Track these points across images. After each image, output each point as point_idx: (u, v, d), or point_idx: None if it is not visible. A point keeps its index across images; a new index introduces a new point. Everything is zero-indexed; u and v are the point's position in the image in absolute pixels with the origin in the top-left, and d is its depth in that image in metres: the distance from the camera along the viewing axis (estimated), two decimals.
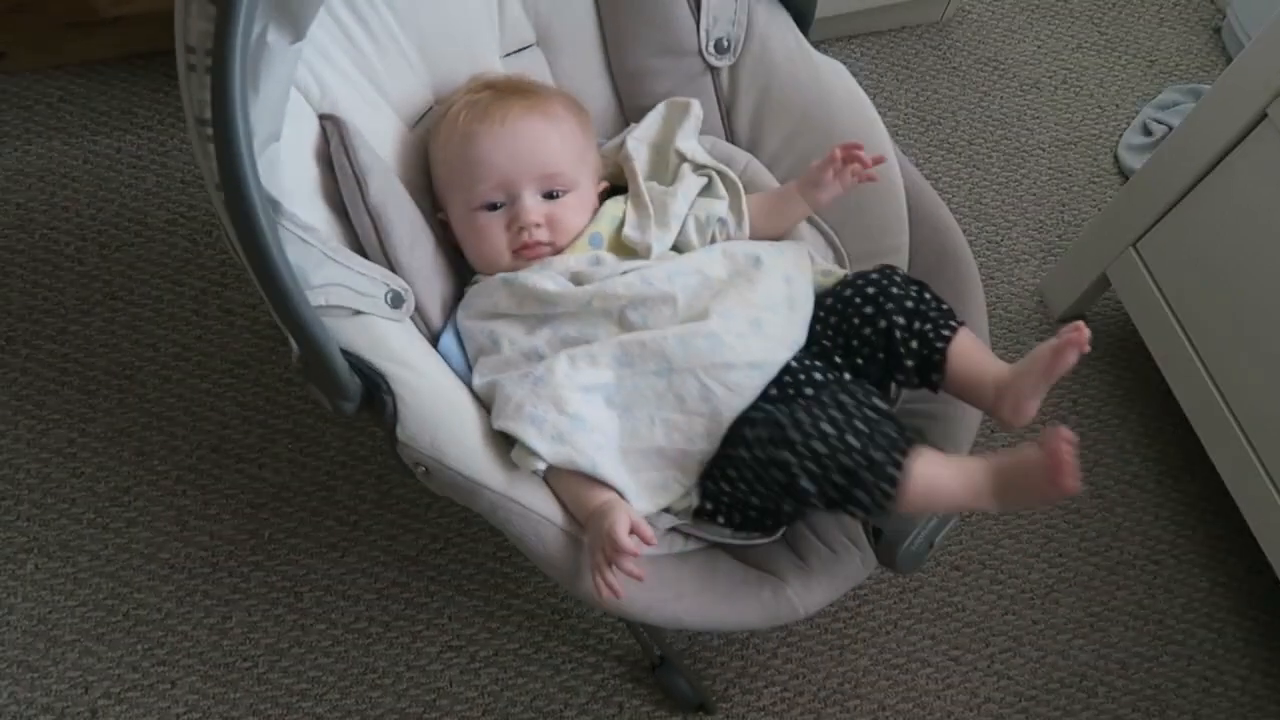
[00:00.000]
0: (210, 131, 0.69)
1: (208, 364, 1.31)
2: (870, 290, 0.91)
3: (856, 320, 0.91)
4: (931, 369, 0.89)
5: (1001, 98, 1.63)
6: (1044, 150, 1.59)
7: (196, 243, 1.38)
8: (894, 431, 0.81)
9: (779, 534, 0.94)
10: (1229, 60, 1.66)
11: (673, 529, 0.92)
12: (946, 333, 0.89)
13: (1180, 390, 1.26)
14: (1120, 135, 1.60)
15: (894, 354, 0.90)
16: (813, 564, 0.93)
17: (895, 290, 0.90)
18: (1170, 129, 1.53)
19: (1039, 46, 1.68)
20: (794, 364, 0.90)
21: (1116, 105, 1.64)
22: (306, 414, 1.29)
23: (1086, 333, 0.80)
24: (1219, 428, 1.20)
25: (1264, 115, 1.05)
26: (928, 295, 0.91)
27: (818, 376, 0.89)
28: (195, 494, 1.24)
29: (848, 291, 0.93)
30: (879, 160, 0.96)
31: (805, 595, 0.90)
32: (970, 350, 0.89)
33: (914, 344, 0.89)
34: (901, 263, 1.03)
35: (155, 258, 1.37)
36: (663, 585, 0.88)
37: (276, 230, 0.72)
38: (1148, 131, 1.57)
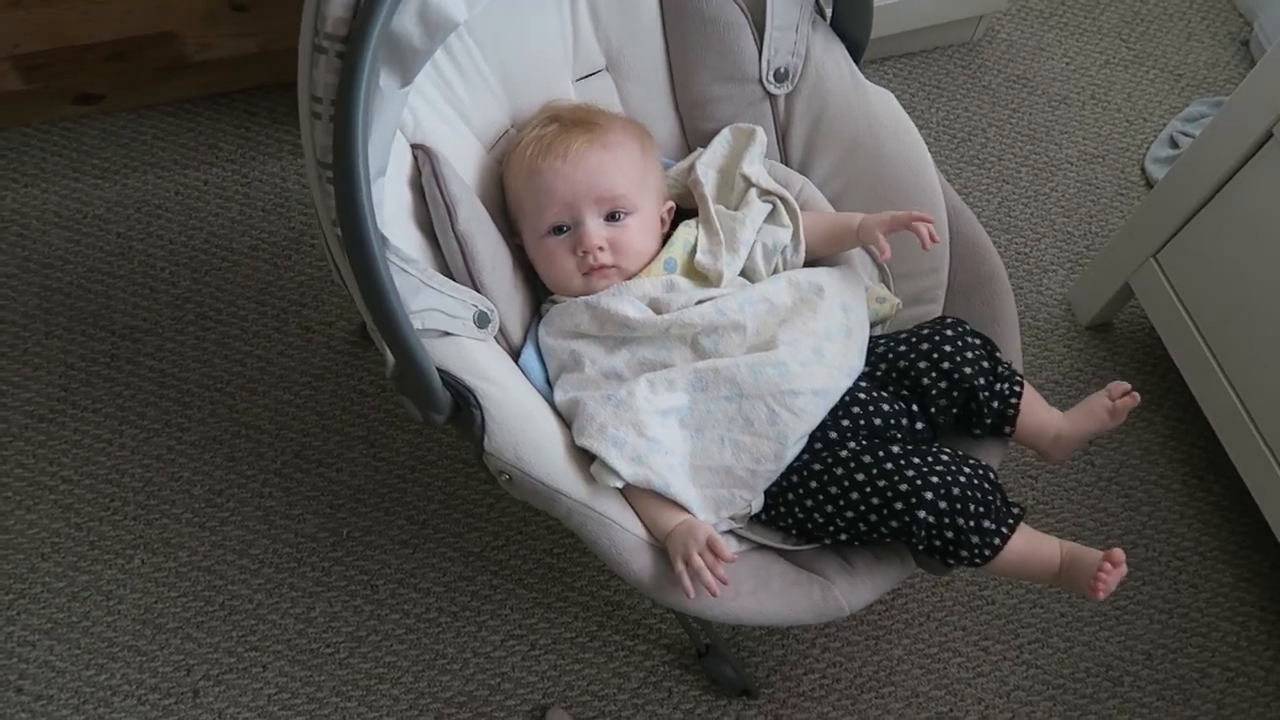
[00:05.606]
0: (330, 175, 0.76)
1: (289, 377, 1.43)
2: (948, 349, 0.99)
3: (935, 374, 0.98)
4: (1006, 423, 1.01)
5: (1030, 114, 1.69)
6: (1072, 164, 1.64)
7: (277, 266, 1.51)
8: (1005, 504, 0.94)
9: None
10: None
11: (729, 532, 0.98)
12: (1019, 389, 1.01)
13: (1202, 396, 1.31)
14: (1147, 148, 1.65)
15: (975, 411, 1.00)
16: (857, 566, 0.98)
17: (970, 354, 0.99)
18: None
19: (1068, 63, 1.74)
20: (861, 394, 0.98)
21: (1144, 119, 1.69)
22: (379, 422, 1.41)
23: (1137, 396, 0.98)
24: (1239, 432, 1.25)
25: (1270, 135, 1.11)
26: (998, 354, 1.02)
27: (885, 407, 0.98)
28: (280, 495, 1.36)
29: (924, 346, 1.00)
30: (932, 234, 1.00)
31: (851, 595, 0.96)
32: (1034, 406, 1.02)
33: (995, 404, 1.00)
34: (940, 282, 1.10)
35: (241, 280, 1.50)
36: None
37: (388, 265, 0.79)
38: (1174, 144, 1.62)
